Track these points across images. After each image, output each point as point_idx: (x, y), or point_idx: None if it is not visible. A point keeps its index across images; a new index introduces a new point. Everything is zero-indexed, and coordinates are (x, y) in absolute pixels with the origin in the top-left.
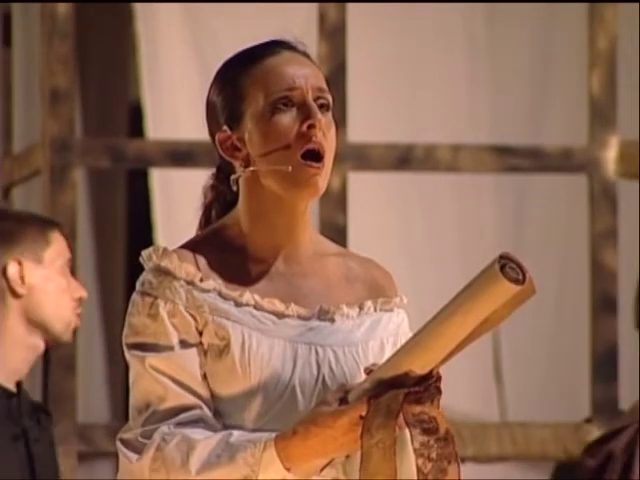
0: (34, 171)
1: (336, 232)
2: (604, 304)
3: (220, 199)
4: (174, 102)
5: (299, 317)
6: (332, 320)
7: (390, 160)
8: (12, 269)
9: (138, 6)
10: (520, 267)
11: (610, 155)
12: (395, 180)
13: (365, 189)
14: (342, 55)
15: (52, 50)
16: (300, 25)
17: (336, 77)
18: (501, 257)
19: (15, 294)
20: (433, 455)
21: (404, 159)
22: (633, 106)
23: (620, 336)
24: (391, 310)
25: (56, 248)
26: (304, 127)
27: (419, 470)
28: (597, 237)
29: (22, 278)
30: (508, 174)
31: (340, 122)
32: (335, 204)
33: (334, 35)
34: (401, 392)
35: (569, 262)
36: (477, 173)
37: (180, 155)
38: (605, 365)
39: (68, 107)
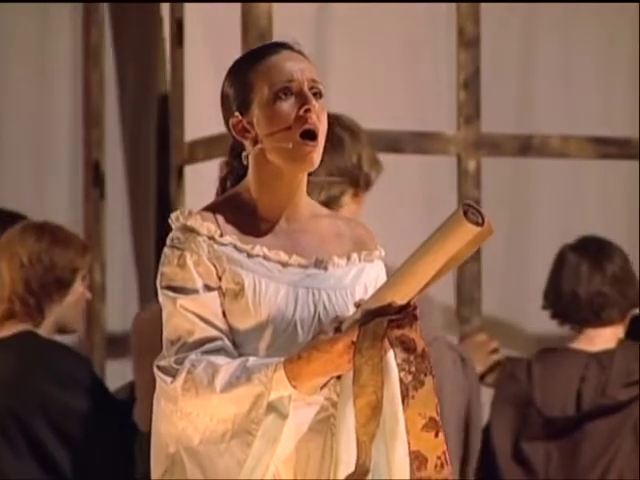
0: None
1: None
2: None
3: (233, 172)
4: (197, 95)
5: (299, 266)
6: (325, 268)
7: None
8: None
9: (165, 17)
10: (480, 212)
11: None
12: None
13: None
14: None
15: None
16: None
17: None
18: (464, 204)
19: None
20: (412, 369)
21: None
22: None
23: None
24: (372, 261)
25: None
26: (301, 111)
27: (401, 381)
28: None
29: None
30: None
31: None
32: None
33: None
34: (385, 319)
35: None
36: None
37: None
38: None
39: None
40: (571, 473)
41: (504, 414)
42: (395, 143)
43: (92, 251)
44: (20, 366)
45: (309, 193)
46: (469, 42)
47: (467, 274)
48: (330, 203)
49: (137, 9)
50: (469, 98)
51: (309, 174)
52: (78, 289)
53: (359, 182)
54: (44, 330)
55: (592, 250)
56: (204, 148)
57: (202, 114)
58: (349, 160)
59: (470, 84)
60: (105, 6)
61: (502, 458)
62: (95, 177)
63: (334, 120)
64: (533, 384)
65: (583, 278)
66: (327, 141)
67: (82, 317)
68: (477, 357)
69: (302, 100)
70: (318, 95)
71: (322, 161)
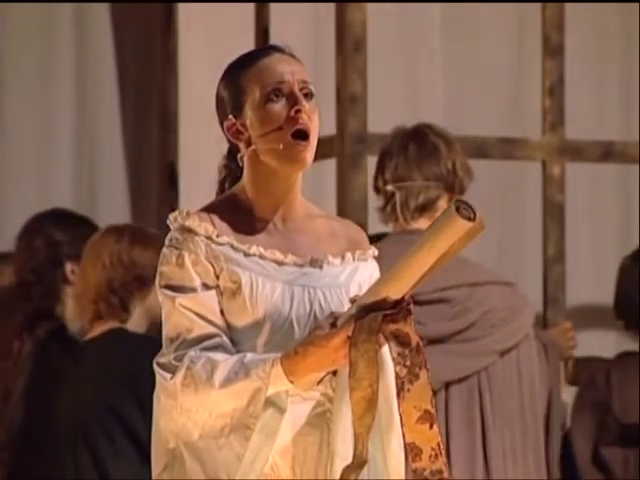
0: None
1: None
2: None
3: (231, 175)
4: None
5: (295, 265)
6: (321, 267)
7: None
8: None
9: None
10: (472, 208)
11: None
12: None
13: None
14: None
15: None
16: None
17: None
18: (456, 200)
19: None
20: (407, 363)
21: None
22: None
23: None
24: (366, 260)
25: None
26: (292, 112)
27: (397, 375)
28: None
29: None
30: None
31: None
32: None
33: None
34: (380, 314)
35: None
36: None
37: None
38: None
39: (363, 107)
40: None
41: (584, 420)
42: (482, 149)
43: None
44: (112, 363)
45: (408, 196)
46: (554, 50)
47: (552, 276)
48: (426, 206)
49: (138, 10)
50: (554, 105)
51: (406, 179)
52: None
53: (454, 187)
54: (133, 325)
55: None
56: None
57: None
58: (444, 166)
59: (555, 91)
60: (175, 7)
61: (582, 462)
62: (171, 179)
63: (427, 129)
64: (612, 391)
65: None
66: (422, 148)
67: None
68: (560, 344)
69: (293, 101)
70: (309, 96)
71: (419, 167)
